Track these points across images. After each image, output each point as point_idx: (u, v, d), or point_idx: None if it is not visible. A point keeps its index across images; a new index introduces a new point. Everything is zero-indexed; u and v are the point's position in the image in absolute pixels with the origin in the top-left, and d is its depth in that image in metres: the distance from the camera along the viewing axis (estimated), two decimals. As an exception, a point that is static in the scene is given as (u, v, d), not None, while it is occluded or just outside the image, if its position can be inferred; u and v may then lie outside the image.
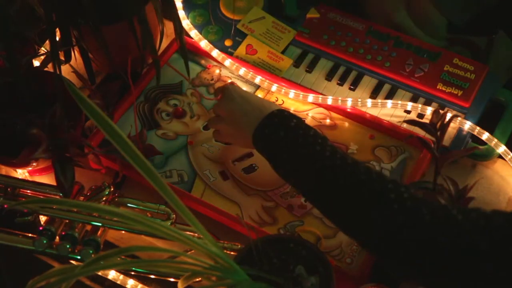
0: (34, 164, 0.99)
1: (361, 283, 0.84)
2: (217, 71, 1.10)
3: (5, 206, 0.93)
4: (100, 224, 0.89)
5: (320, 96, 1.03)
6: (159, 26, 1.00)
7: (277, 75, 1.08)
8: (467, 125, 0.99)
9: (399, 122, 1.02)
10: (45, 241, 0.87)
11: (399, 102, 1.03)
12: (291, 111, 0.85)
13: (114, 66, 1.01)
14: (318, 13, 1.14)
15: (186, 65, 1.01)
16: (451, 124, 0.97)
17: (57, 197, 0.94)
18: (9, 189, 0.95)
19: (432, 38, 1.14)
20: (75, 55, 1.02)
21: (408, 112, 1.04)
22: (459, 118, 1.00)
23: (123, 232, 0.93)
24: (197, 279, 0.67)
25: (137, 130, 1.02)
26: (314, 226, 0.92)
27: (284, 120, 0.82)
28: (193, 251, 0.68)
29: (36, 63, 1.06)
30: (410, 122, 0.85)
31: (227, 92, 0.91)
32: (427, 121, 0.83)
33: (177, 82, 1.09)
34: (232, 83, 1.05)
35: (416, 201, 0.67)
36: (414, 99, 1.05)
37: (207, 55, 1.11)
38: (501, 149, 0.98)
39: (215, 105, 0.95)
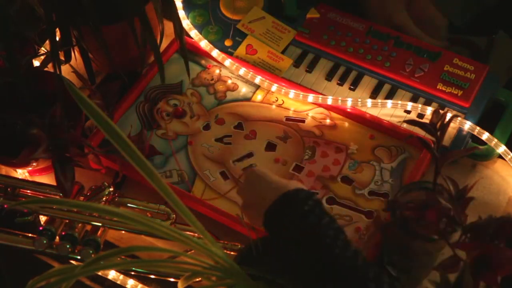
0: (34, 164, 0.98)
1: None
2: (217, 71, 1.10)
3: (5, 206, 0.93)
4: (100, 224, 0.89)
5: (320, 96, 1.03)
6: (159, 26, 1.00)
7: (277, 75, 1.08)
8: (467, 125, 0.99)
9: (399, 122, 1.02)
10: (45, 241, 0.88)
11: (399, 102, 1.03)
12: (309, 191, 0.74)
13: (114, 66, 1.01)
14: (318, 13, 1.14)
15: (186, 65, 1.01)
16: (451, 124, 0.97)
17: (57, 197, 0.94)
18: (9, 189, 0.95)
19: (432, 38, 1.14)
20: (75, 55, 1.02)
21: (408, 112, 1.03)
22: (459, 118, 1.00)
23: (123, 232, 0.93)
24: (197, 279, 0.67)
25: (140, 130, 1.02)
26: (314, 226, 0.92)
27: (298, 203, 0.72)
28: (193, 251, 0.68)
29: (36, 63, 1.06)
30: (410, 122, 0.85)
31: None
32: (427, 121, 0.83)
33: (177, 82, 1.09)
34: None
35: None
36: (414, 99, 1.05)
37: (207, 55, 1.11)
38: (501, 149, 0.98)
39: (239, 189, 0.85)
